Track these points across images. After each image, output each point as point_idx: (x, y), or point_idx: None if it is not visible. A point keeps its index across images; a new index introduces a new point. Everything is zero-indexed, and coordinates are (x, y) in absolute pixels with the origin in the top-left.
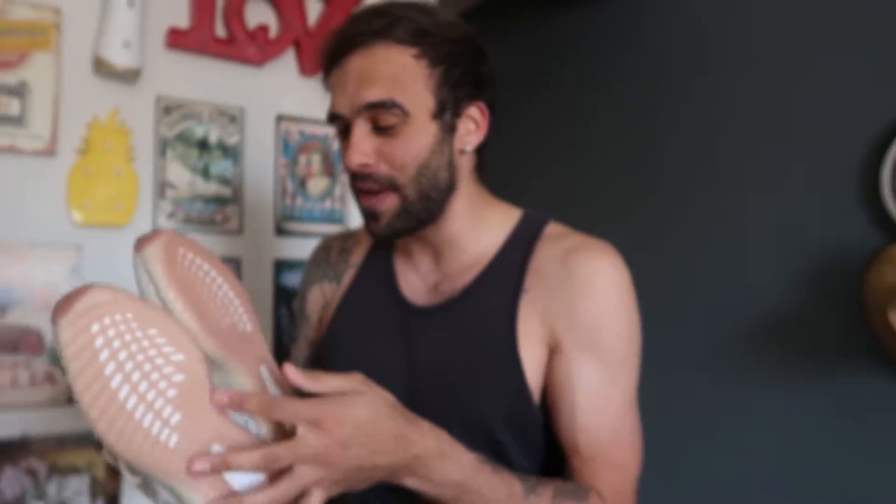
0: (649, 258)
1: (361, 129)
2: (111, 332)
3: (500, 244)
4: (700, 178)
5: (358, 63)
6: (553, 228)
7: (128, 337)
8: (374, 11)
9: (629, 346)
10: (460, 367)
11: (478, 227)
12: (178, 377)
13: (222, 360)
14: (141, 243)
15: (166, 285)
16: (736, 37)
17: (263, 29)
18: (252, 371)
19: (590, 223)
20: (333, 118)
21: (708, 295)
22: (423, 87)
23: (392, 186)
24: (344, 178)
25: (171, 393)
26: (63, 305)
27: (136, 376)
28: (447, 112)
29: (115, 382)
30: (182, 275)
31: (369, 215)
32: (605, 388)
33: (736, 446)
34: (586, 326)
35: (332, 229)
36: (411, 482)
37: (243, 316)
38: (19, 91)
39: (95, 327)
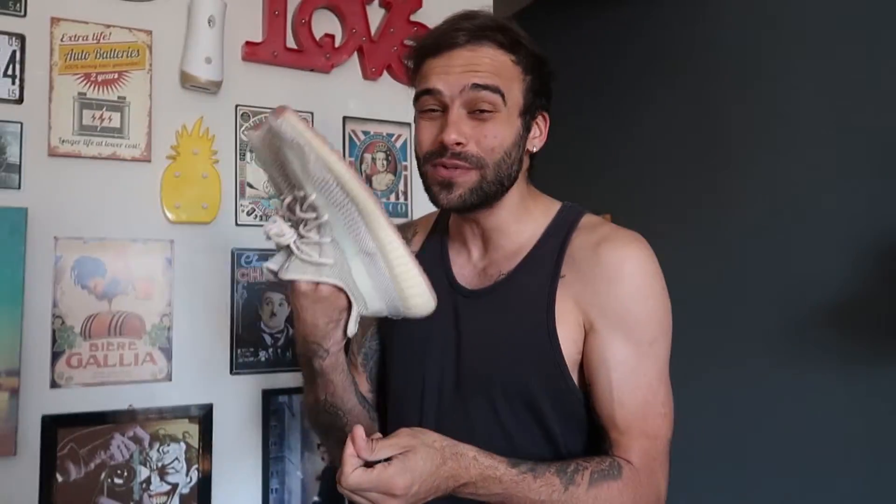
0: (709, 245)
1: (459, 111)
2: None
3: (541, 234)
4: (761, 163)
5: (465, 55)
6: (588, 219)
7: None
8: (472, 16)
9: (658, 326)
10: (503, 341)
11: (523, 219)
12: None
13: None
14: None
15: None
16: (794, 26)
17: (329, 38)
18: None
19: (651, 211)
20: (425, 93)
21: (769, 280)
22: (517, 87)
23: (478, 165)
24: (407, 174)
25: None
26: (281, 111)
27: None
28: (528, 114)
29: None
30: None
31: (443, 185)
32: (637, 364)
33: (798, 430)
34: (617, 309)
35: (395, 222)
36: (460, 495)
37: None
38: (119, 106)
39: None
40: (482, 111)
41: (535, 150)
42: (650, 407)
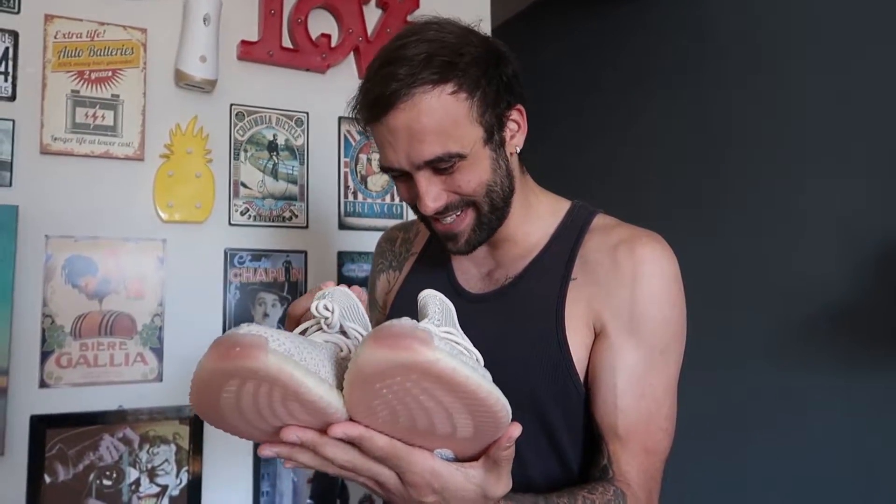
0: (711, 248)
1: (425, 178)
2: None
3: (550, 235)
4: (761, 167)
5: (401, 119)
6: (602, 220)
7: None
8: (394, 60)
9: (672, 335)
10: (510, 347)
11: (530, 219)
12: None
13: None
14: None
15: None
16: (793, 27)
17: (326, 37)
18: None
19: (650, 214)
20: (388, 169)
21: (771, 285)
22: (468, 123)
23: (469, 204)
24: None
25: None
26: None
27: None
28: (495, 132)
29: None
30: None
31: (447, 237)
32: (645, 374)
33: (798, 435)
34: (631, 314)
35: (391, 223)
36: None
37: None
38: (113, 104)
39: None
40: (445, 169)
41: (517, 149)
42: (654, 420)
